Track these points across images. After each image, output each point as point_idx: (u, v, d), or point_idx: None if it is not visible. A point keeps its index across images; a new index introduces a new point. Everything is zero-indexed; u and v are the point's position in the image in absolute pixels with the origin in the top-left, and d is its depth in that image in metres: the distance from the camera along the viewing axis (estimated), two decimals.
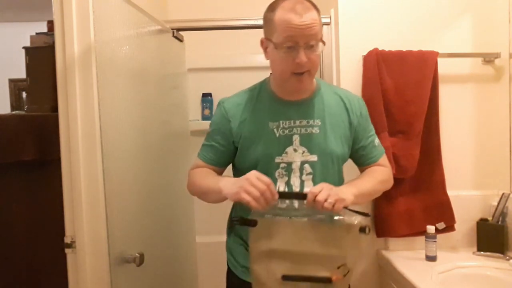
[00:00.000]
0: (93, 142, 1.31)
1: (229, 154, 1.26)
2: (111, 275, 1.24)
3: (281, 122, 1.19)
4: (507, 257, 1.50)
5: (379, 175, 1.27)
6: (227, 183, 1.12)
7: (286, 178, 1.18)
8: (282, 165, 1.18)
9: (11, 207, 1.53)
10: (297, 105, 1.21)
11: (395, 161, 1.54)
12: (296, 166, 1.18)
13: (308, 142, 1.19)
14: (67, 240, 1.32)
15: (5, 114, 1.62)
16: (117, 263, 1.27)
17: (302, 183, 1.18)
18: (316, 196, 1.03)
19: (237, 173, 1.26)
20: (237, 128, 1.21)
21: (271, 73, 1.24)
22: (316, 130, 1.19)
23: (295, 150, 1.18)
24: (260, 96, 1.24)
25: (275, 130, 1.19)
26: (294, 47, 1.08)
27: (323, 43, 1.13)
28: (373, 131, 1.32)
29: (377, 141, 1.31)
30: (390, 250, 1.65)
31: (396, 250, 1.64)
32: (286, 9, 1.09)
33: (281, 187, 1.18)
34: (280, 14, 1.09)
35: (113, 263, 1.25)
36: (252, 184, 1.02)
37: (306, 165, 1.18)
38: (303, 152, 1.18)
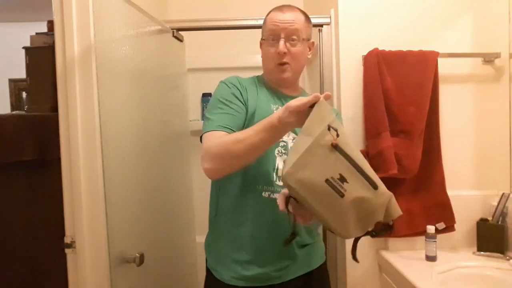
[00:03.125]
0: (93, 142, 1.31)
1: (243, 121, 1.21)
2: (111, 275, 1.25)
3: (279, 106, 1.26)
4: (507, 257, 1.50)
5: None
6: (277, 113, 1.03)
7: (285, 156, 1.23)
8: (281, 143, 1.23)
9: (11, 207, 1.53)
10: (292, 98, 1.24)
11: (397, 161, 1.54)
12: (290, 146, 1.24)
13: None
14: (67, 240, 1.32)
15: (5, 114, 1.61)
16: (117, 263, 1.27)
17: None
18: None
19: None
20: (249, 101, 1.23)
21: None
22: None
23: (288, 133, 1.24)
24: (260, 85, 1.31)
25: (275, 111, 1.20)
26: (276, 40, 1.23)
27: (307, 41, 1.27)
28: None
29: None
30: (390, 250, 1.65)
31: (396, 250, 1.64)
32: (274, 10, 1.28)
33: (280, 164, 1.22)
34: (269, 15, 1.28)
35: (113, 263, 1.25)
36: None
37: None
38: (292, 136, 1.25)
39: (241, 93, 1.24)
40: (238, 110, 1.20)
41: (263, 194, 1.21)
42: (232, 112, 1.19)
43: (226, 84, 1.26)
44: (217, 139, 1.11)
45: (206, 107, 2.26)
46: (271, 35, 1.25)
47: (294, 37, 1.23)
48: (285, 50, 1.22)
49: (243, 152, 1.05)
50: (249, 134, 1.05)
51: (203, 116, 2.22)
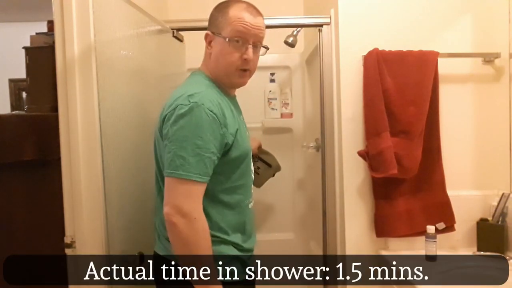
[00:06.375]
0: (93, 142, 1.31)
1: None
2: (111, 275, 1.25)
3: (240, 116, 1.29)
4: (507, 257, 1.50)
5: None
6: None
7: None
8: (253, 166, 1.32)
9: (11, 207, 1.53)
10: (235, 101, 1.31)
11: (397, 161, 1.54)
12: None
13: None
14: (67, 240, 1.32)
15: (5, 114, 1.62)
16: (117, 263, 1.27)
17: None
18: None
19: (227, 164, 1.16)
20: (228, 127, 1.14)
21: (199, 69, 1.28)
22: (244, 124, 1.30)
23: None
24: (220, 92, 1.21)
25: (241, 123, 1.25)
26: (243, 44, 1.17)
27: (266, 48, 1.25)
28: None
29: None
30: (390, 250, 1.65)
31: (396, 250, 1.64)
32: (241, 8, 1.18)
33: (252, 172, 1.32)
34: (235, 12, 1.18)
35: (113, 263, 1.25)
36: None
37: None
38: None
39: (219, 130, 1.10)
40: (217, 152, 1.10)
41: (249, 206, 1.27)
42: (211, 156, 1.08)
43: (203, 118, 1.07)
44: (194, 212, 1.06)
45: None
46: (238, 37, 1.17)
47: (259, 44, 1.21)
48: (252, 57, 1.18)
49: (187, 248, 1.06)
50: (201, 256, 1.06)
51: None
